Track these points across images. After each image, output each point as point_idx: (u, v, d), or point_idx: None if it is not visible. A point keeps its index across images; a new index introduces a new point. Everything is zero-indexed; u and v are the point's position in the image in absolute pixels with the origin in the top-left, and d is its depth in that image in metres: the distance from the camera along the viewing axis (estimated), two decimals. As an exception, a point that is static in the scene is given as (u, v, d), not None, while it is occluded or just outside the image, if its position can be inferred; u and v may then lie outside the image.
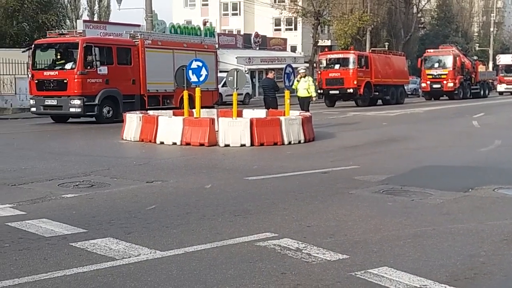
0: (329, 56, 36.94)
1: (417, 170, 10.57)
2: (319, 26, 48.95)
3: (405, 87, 41.47)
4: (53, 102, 21.07)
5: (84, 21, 38.84)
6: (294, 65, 21.88)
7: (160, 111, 20.16)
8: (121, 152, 14.03)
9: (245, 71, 38.23)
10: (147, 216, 6.88)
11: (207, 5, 64.74)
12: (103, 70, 21.10)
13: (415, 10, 63.34)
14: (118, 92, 21.66)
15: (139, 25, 35.56)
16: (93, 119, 21.30)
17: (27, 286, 4.57)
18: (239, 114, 16.89)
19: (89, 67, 20.77)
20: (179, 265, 5.09)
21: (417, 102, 40.78)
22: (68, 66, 20.97)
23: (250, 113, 18.05)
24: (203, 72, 15.79)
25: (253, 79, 46.26)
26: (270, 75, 19.77)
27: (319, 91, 36.86)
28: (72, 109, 20.73)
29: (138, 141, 15.17)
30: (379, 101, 37.01)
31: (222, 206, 7.43)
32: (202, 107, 21.49)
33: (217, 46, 28.37)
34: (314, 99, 20.46)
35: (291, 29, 61.38)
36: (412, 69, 51.71)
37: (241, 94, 34.87)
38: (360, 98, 35.22)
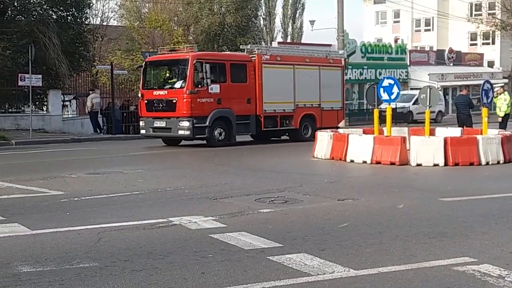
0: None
1: None
2: (520, 39, 45.88)
3: None
4: (162, 124, 19.54)
5: (279, 42, 40.44)
6: (491, 81, 20.82)
7: (350, 129, 20.15)
8: (313, 169, 14.31)
9: (438, 88, 36.99)
10: (340, 234, 6.95)
11: (398, 22, 63.90)
12: (215, 88, 19.27)
13: None
14: (231, 112, 19.73)
15: (330, 45, 36.17)
16: (204, 142, 19.75)
17: (229, 295, 4.84)
18: (432, 133, 16.38)
19: (199, 86, 18.93)
20: (374, 284, 5.08)
21: None
22: (178, 85, 19.34)
23: (443, 132, 17.42)
24: (395, 90, 15.65)
25: (446, 96, 44.59)
26: (464, 92, 19.04)
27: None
28: (180, 132, 19.03)
29: (329, 159, 15.36)
30: None
31: (415, 227, 7.27)
32: (325, 128, 20.63)
33: (344, 60, 25.02)
34: (500, 119, 19.31)
35: (488, 43, 58.25)
36: None
37: (433, 112, 33.79)
38: None
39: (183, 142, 20.31)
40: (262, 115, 20.63)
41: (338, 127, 22.16)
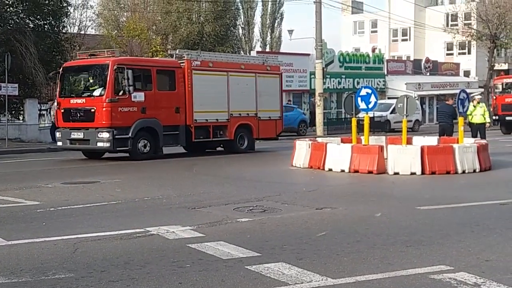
0: (505, 81, 35.10)
1: None
2: (495, 50, 46.56)
3: None
4: (80, 135, 18.01)
5: (257, 52, 40.50)
6: (468, 91, 21.07)
7: (328, 138, 20.11)
8: (291, 178, 14.33)
9: (415, 97, 37.33)
10: (318, 243, 6.96)
11: (376, 31, 64.56)
12: (139, 97, 17.78)
13: None
14: (157, 122, 18.19)
15: (308, 54, 36.38)
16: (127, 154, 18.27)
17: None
18: (409, 141, 16.51)
19: (121, 94, 17.40)
20: (351, 293, 5.09)
21: None
22: (97, 92, 17.75)
23: (421, 140, 17.59)
24: (372, 99, 15.74)
25: (423, 105, 45.05)
26: (450, 101, 19.26)
27: (494, 117, 35.06)
28: (100, 144, 17.52)
29: (307, 168, 15.40)
30: None
31: (393, 236, 7.31)
32: (262, 139, 20.34)
33: (279, 67, 22.90)
34: (488, 125, 19.66)
35: (464, 53, 59.06)
36: None
37: (410, 121, 34.07)
38: (541, 125, 32.84)
39: (106, 155, 18.90)
40: (192, 125, 19.13)
41: (277, 138, 22.12)
